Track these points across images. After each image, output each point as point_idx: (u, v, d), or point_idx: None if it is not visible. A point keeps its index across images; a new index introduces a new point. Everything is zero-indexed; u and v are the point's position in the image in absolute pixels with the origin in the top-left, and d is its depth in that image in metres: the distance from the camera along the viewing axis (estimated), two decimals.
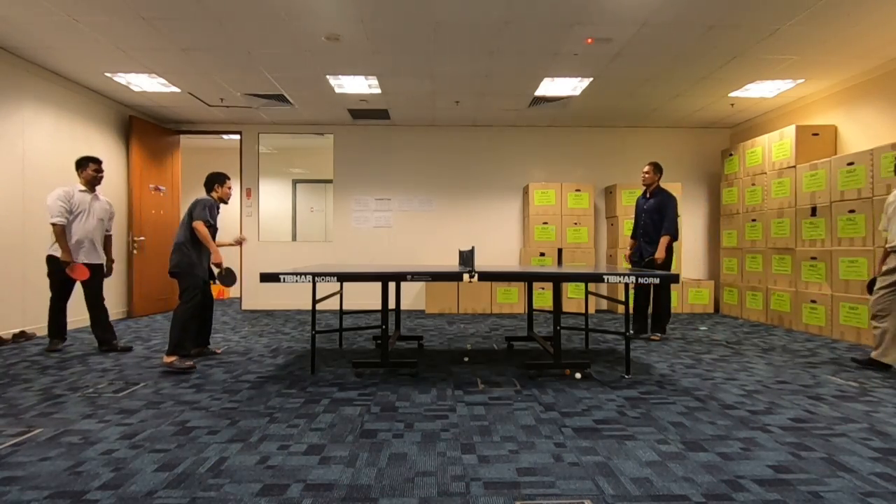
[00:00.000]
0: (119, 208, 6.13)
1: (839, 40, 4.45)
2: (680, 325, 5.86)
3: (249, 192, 7.45)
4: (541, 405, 2.86)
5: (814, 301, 5.29)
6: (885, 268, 3.80)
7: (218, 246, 4.05)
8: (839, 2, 3.78)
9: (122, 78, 5.41)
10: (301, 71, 5.25)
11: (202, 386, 3.25)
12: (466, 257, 3.88)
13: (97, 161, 4.31)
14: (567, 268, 4.27)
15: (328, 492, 1.84)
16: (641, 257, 5.02)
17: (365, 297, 7.25)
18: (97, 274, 4.31)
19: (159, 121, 7.15)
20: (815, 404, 2.89)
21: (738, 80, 5.47)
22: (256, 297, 7.36)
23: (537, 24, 4.19)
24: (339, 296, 5.44)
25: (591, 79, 5.49)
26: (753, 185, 6.32)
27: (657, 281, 3.38)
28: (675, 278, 3.33)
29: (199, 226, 3.84)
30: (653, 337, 4.90)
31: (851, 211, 4.88)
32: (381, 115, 6.90)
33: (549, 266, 5.24)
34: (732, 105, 6.41)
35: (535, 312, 6.49)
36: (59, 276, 4.14)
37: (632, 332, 5.06)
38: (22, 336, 4.72)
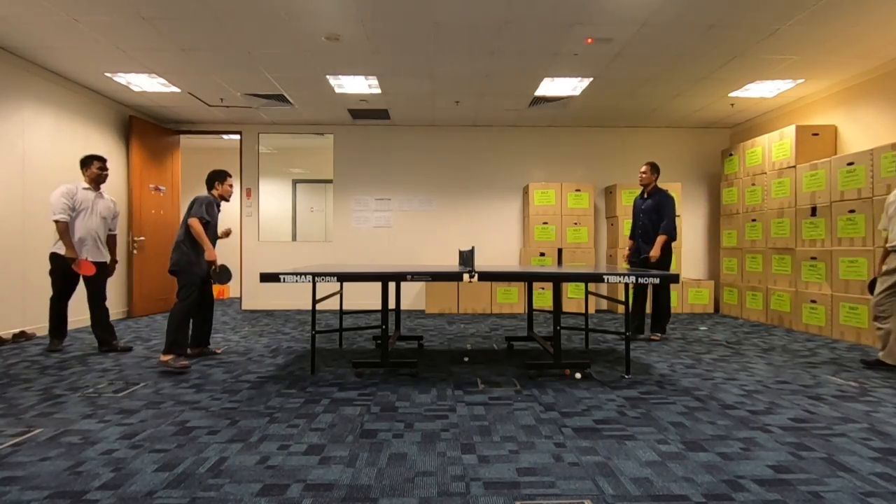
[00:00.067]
0: (119, 208, 6.13)
1: (839, 40, 4.45)
2: (680, 325, 5.86)
3: (249, 192, 7.45)
4: (541, 405, 2.86)
5: (814, 301, 5.29)
6: (885, 268, 3.80)
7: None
8: (839, 2, 3.78)
9: (122, 78, 5.41)
10: (301, 71, 5.25)
11: (202, 386, 3.25)
12: (466, 257, 3.88)
13: (101, 159, 4.31)
14: (567, 268, 4.27)
15: (328, 492, 1.84)
16: (640, 257, 5.02)
17: (365, 297, 7.25)
18: (100, 272, 4.30)
19: (159, 121, 7.15)
20: (815, 404, 2.89)
21: (738, 80, 5.47)
22: (256, 297, 7.36)
23: (537, 24, 4.19)
24: (339, 296, 5.44)
25: (591, 79, 5.49)
26: (753, 185, 6.32)
27: (657, 281, 3.38)
28: (675, 278, 3.33)
29: (194, 223, 3.84)
30: (653, 337, 4.90)
31: (851, 211, 4.88)
32: (381, 115, 6.90)
33: (549, 266, 5.24)
34: (732, 105, 6.41)
35: (535, 312, 6.49)
36: (62, 273, 4.14)
37: (630, 332, 5.06)
38: (22, 336, 4.72)
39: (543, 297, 6.91)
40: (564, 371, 3.55)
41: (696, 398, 3.00)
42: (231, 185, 4.23)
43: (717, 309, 7.14)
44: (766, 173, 6.10)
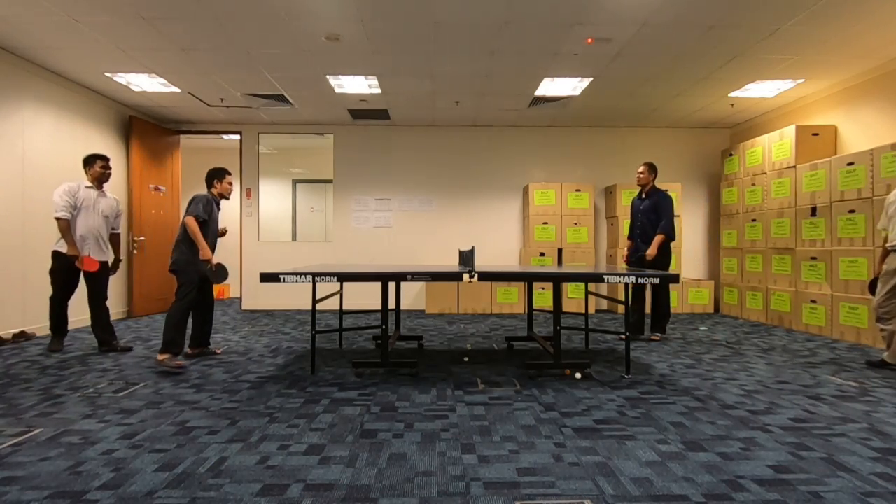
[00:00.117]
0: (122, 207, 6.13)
1: (839, 40, 4.45)
2: (680, 325, 5.86)
3: (249, 192, 7.45)
4: (541, 405, 2.86)
5: (814, 301, 5.29)
6: (885, 268, 3.80)
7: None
8: (839, 2, 3.78)
9: (122, 78, 5.41)
10: (301, 71, 5.25)
11: (202, 386, 3.25)
12: (466, 257, 3.88)
13: (105, 158, 4.31)
14: (567, 268, 4.27)
15: (328, 492, 1.84)
16: (637, 256, 5.02)
17: (365, 297, 7.25)
18: (101, 272, 4.30)
19: (159, 121, 7.15)
20: (815, 404, 2.89)
21: (738, 80, 5.47)
22: (256, 297, 7.36)
23: (537, 24, 4.19)
24: (339, 296, 5.44)
25: (591, 79, 5.49)
26: (753, 185, 6.32)
27: (657, 281, 3.37)
28: (675, 278, 3.33)
29: (189, 221, 3.84)
30: (653, 337, 4.90)
31: (851, 211, 4.88)
32: (381, 115, 6.90)
33: (549, 266, 5.24)
34: (732, 105, 6.41)
35: (535, 312, 6.49)
36: (64, 272, 4.14)
37: (629, 332, 5.06)
38: (22, 336, 4.72)
39: (543, 297, 6.91)
40: (564, 371, 3.55)
41: (696, 398, 3.00)
42: (230, 183, 4.22)
43: (717, 309, 7.14)
44: (766, 173, 6.10)
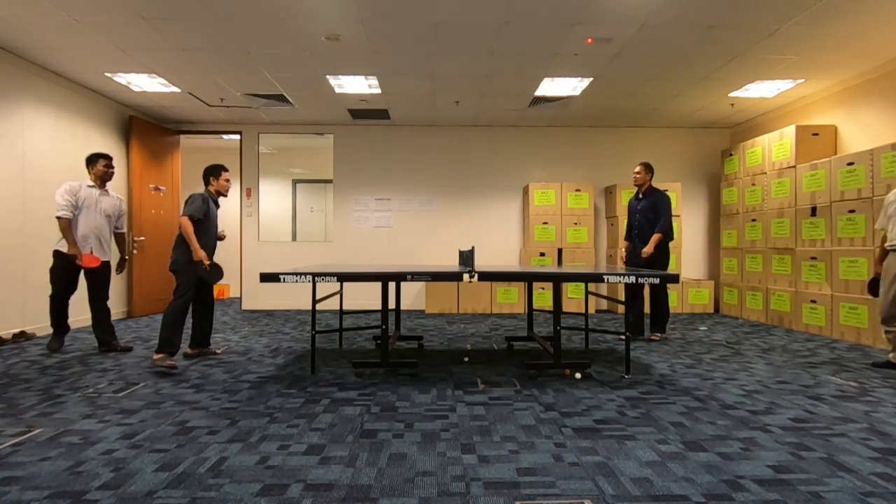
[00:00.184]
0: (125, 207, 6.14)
1: (839, 40, 4.45)
2: (680, 325, 5.86)
3: (249, 192, 7.45)
4: (541, 405, 2.86)
5: (814, 301, 5.29)
6: (886, 269, 3.80)
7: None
8: (839, 2, 3.78)
9: (122, 78, 5.41)
10: (301, 71, 5.25)
11: (202, 386, 3.25)
12: (466, 257, 3.88)
13: (107, 157, 4.31)
14: (567, 268, 4.27)
15: (328, 492, 1.84)
16: (635, 254, 5.02)
17: (365, 297, 7.25)
18: (104, 271, 4.30)
19: (159, 121, 7.15)
20: (815, 404, 2.89)
21: (738, 80, 5.47)
22: (256, 297, 7.36)
23: (537, 24, 4.19)
24: (339, 296, 5.44)
25: (591, 79, 5.49)
26: (753, 185, 6.32)
27: (657, 281, 3.37)
28: (675, 278, 3.32)
29: (183, 221, 3.83)
30: (653, 337, 4.90)
31: (851, 211, 4.88)
32: (381, 115, 6.90)
33: (549, 266, 5.24)
34: (732, 105, 6.41)
35: (535, 312, 6.49)
36: (65, 271, 4.13)
37: (629, 333, 5.06)
38: (22, 336, 4.72)
39: (543, 297, 6.91)
40: (564, 371, 3.55)
41: (696, 398, 3.00)
42: (228, 180, 4.19)
43: (717, 309, 7.14)
44: (766, 173, 6.10)
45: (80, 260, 4.07)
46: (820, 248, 5.25)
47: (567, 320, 6.26)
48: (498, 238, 7.54)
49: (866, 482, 1.92)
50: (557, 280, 3.43)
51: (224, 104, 6.39)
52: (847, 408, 2.83)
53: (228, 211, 8.77)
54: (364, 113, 6.82)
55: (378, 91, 5.87)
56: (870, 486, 1.89)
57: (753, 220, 6.31)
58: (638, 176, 4.99)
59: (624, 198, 6.99)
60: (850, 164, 4.91)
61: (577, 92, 5.91)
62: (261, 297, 7.36)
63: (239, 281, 7.66)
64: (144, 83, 5.58)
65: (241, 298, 7.43)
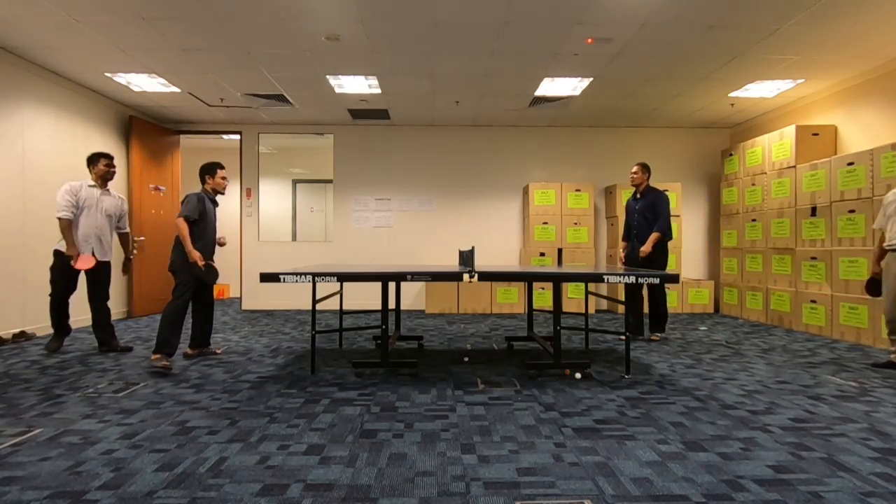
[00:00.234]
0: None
1: (839, 40, 4.45)
2: (680, 325, 5.86)
3: (249, 192, 7.45)
4: (541, 405, 2.86)
5: (814, 301, 5.29)
6: (886, 271, 3.80)
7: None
8: (839, 2, 3.78)
9: (122, 78, 5.41)
10: (301, 71, 5.25)
11: (202, 386, 3.25)
12: (466, 257, 3.88)
13: (108, 156, 4.29)
14: (567, 268, 4.27)
15: (328, 492, 1.84)
16: (633, 253, 5.02)
17: (365, 297, 7.25)
18: (104, 271, 4.29)
19: (159, 121, 7.15)
20: (815, 404, 2.89)
21: (738, 80, 5.47)
22: (256, 297, 7.36)
23: (537, 24, 4.19)
24: (339, 296, 5.44)
25: (591, 79, 5.49)
26: (753, 185, 6.32)
27: (657, 281, 3.37)
28: (675, 278, 3.32)
29: (179, 222, 3.82)
30: (653, 337, 4.91)
31: (851, 211, 4.88)
32: (381, 115, 6.90)
33: (549, 266, 5.24)
34: (732, 105, 6.41)
35: (535, 312, 6.49)
36: (64, 271, 4.12)
37: (630, 333, 5.06)
38: (22, 336, 4.72)
39: (543, 297, 6.91)
40: (564, 371, 3.55)
41: (696, 398, 3.00)
42: (224, 178, 4.17)
43: (717, 309, 7.14)
44: (766, 173, 6.10)
45: (74, 261, 4.04)
46: (820, 248, 5.25)
47: (567, 320, 6.26)
48: (498, 238, 7.54)
49: (866, 482, 1.92)
50: (557, 280, 3.43)
51: (224, 104, 6.39)
52: (847, 408, 2.83)
53: (228, 211, 8.78)
54: (364, 113, 6.82)
55: (378, 91, 5.88)
56: (870, 486, 1.89)
57: (753, 220, 6.31)
58: (635, 176, 4.99)
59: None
60: (850, 164, 4.91)
61: (577, 92, 5.91)
62: (261, 297, 7.36)
63: (239, 281, 7.66)
64: (144, 83, 5.58)
65: (241, 298, 7.43)
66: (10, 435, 2.38)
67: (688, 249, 7.53)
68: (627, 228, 5.15)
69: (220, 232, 4.28)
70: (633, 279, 3.24)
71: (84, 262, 4.10)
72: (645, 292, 5.08)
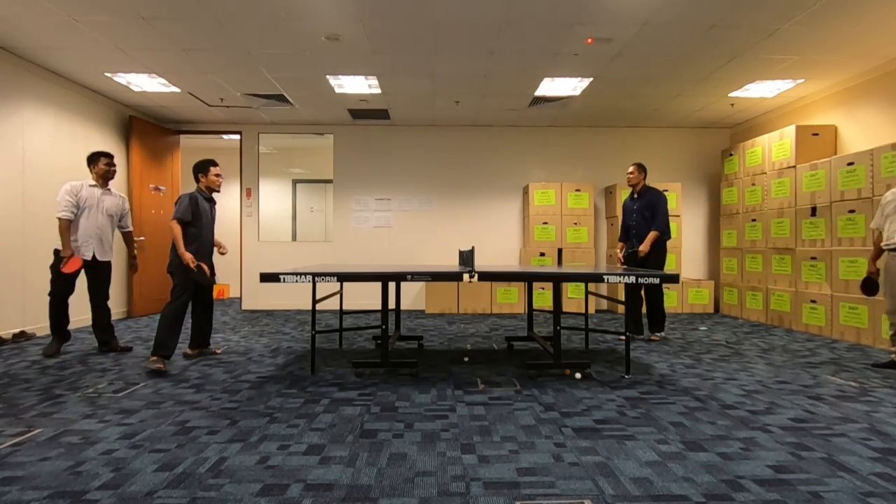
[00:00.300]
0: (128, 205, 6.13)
1: (839, 40, 4.45)
2: (680, 325, 5.86)
3: (249, 192, 7.45)
4: (541, 405, 2.86)
5: (814, 301, 5.29)
6: (885, 270, 3.80)
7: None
8: (839, 2, 3.78)
9: (122, 78, 5.41)
10: (301, 71, 5.25)
11: (202, 386, 3.25)
12: (466, 257, 3.88)
13: (109, 155, 4.27)
14: (567, 268, 4.27)
15: (328, 492, 1.84)
16: (631, 252, 5.02)
17: (365, 297, 7.25)
18: (104, 271, 4.28)
19: (159, 121, 7.15)
20: (815, 404, 2.89)
21: (738, 80, 5.47)
22: (256, 297, 7.36)
23: (537, 24, 4.19)
24: (339, 296, 5.44)
25: (591, 79, 5.49)
26: (753, 185, 6.32)
27: (657, 281, 3.37)
28: (675, 278, 3.32)
29: (172, 225, 3.79)
30: (653, 337, 4.91)
31: (851, 211, 4.88)
32: (381, 115, 6.90)
33: (549, 266, 5.24)
34: (732, 105, 6.41)
35: (535, 312, 6.49)
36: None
37: (630, 333, 5.06)
38: (22, 336, 4.72)
39: (543, 297, 6.91)
40: (564, 371, 3.55)
41: (696, 398, 3.00)
42: (217, 175, 4.11)
43: (717, 309, 7.14)
44: (766, 173, 6.10)
45: (64, 263, 3.98)
46: (820, 248, 5.25)
47: (567, 320, 6.26)
48: (498, 238, 7.54)
49: (866, 482, 1.92)
50: (557, 280, 3.43)
51: (224, 104, 6.39)
52: (847, 408, 2.83)
53: (228, 211, 8.78)
54: (364, 113, 6.82)
55: (378, 91, 5.87)
56: (870, 486, 1.89)
57: (753, 220, 6.31)
58: (631, 176, 5.00)
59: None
60: (850, 164, 4.91)
61: (577, 92, 5.91)
62: (261, 297, 7.36)
63: (239, 281, 7.66)
64: (144, 83, 5.58)
65: (241, 298, 7.43)
66: (10, 435, 2.38)
67: (688, 249, 7.53)
68: (626, 229, 5.15)
69: (220, 231, 4.27)
70: (632, 279, 3.24)
71: (71, 265, 4.02)
72: (643, 292, 5.07)
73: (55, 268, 4.13)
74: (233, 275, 8.54)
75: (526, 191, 7.22)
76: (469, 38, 4.45)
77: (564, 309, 6.79)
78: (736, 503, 1.77)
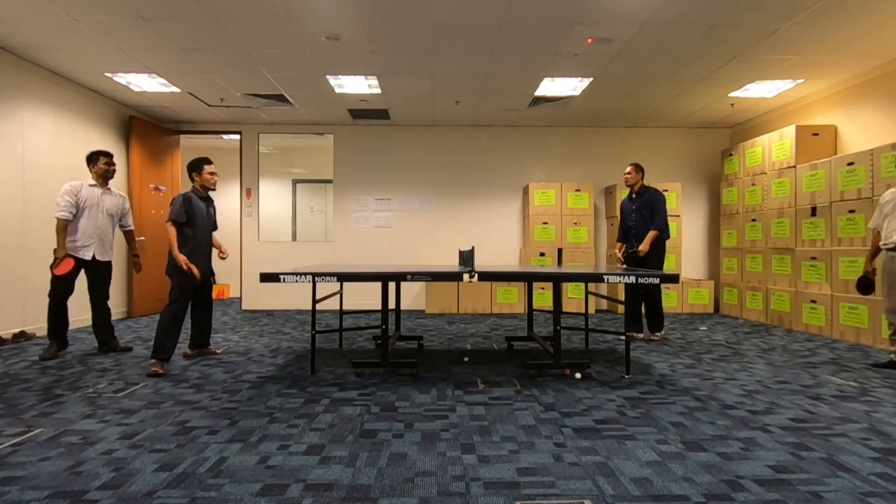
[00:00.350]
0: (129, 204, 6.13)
1: (839, 40, 4.45)
2: (680, 325, 5.86)
3: (249, 192, 7.45)
4: (541, 405, 2.86)
5: (814, 301, 5.29)
6: (884, 271, 3.80)
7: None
8: (839, 2, 3.78)
9: (122, 78, 5.41)
10: (301, 71, 5.25)
11: (202, 386, 3.25)
12: (466, 257, 3.88)
13: (108, 154, 4.25)
14: (567, 268, 4.27)
15: (328, 492, 1.84)
16: (630, 251, 5.02)
17: (365, 297, 7.25)
18: (105, 271, 4.27)
19: (159, 121, 7.15)
20: (814, 404, 2.89)
21: (738, 80, 5.47)
22: (256, 297, 7.36)
23: (537, 24, 4.19)
24: (339, 296, 5.44)
25: (591, 79, 5.49)
26: (753, 185, 6.32)
27: (657, 281, 3.37)
28: (675, 278, 3.31)
29: (167, 227, 3.75)
30: (653, 337, 4.91)
31: (851, 211, 4.88)
32: (381, 115, 6.90)
33: (549, 266, 5.24)
34: (732, 105, 6.41)
35: (535, 312, 6.49)
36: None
37: (631, 333, 5.06)
38: (22, 336, 4.72)
39: (543, 297, 6.91)
40: (564, 371, 3.55)
41: (696, 398, 3.00)
42: (211, 173, 4.02)
43: (717, 309, 7.14)
44: (766, 173, 6.10)
45: (56, 264, 3.93)
46: (820, 248, 5.25)
47: (567, 320, 6.26)
48: (498, 238, 7.54)
49: (866, 482, 1.92)
50: (557, 280, 3.43)
51: (224, 104, 6.39)
52: (847, 408, 2.83)
53: (228, 211, 8.79)
54: (364, 113, 6.82)
55: (378, 91, 5.87)
56: (870, 486, 1.89)
57: (753, 220, 6.31)
58: (629, 177, 5.00)
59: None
60: (850, 164, 4.91)
61: (577, 92, 5.91)
62: (261, 297, 7.36)
63: (239, 281, 7.66)
64: (144, 83, 5.58)
65: (241, 298, 7.43)
66: (10, 435, 2.38)
67: (688, 249, 7.53)
68: (625, 229, 5.15)
69: (220, 231, 4.24)
70: (632, 279, 3.24)
71: (63, 267, 3.97)
72: (642, 291, 5.07)
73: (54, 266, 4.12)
74: (233, 275, 8.54)
75: (526, 191, 7.22)
76: (469, 38, 4.45)
77: (564, 309, 6.79)
78: (736, 503, 1.77)
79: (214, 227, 4.19)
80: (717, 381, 3.38)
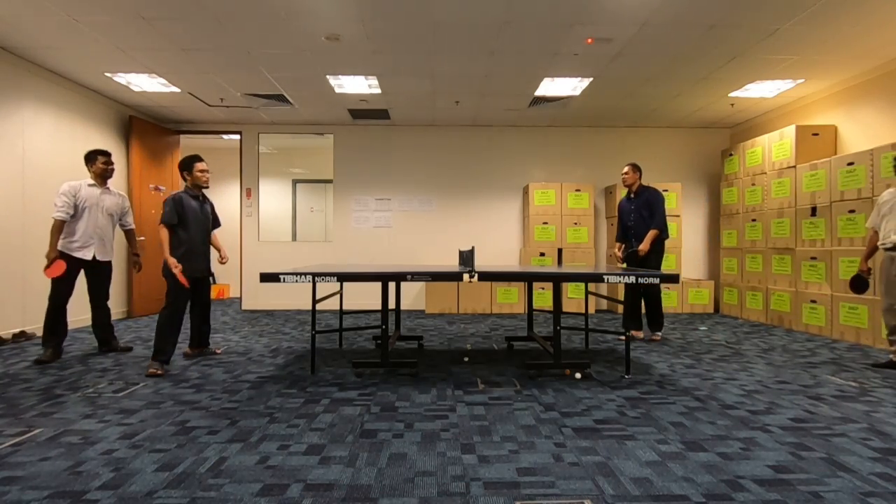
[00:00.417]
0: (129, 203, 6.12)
1: (839, 40, 4.45)
2: (680, 325, 5.86)
3: (249, 192, 7.45)
4: (541, 405, 2.86)
5: (814, 301, 5.29)
6: (883, 271, 3.80)
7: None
8: (839, 2, 3.78)
9: (122, 78, 5.41)
10: (301, 71, 5.25)
11: (202, 386, 3.25)
12: (466, 257, 3.88)
13: (106, 154, 4.21)
14: (567, 268, 4.27)
15: (328, 492, 1.84)
16: (630, 251, 5.03)
17: (365, 297, 7.25)
18: (105, 271, 4.26)
19: (159, 121, 7.15)
20: (815, 404, 2.89)
21: (738, 80, 5.47)
22: (256, 297, 7.36)
23: (537, 24, 4.19)
24: (339, 296, 5.44)
25: (591, 79, 5.49)
26: (753, 185, 6.32)
27: (657, 281, 3.37)
28: (675, 278, 3.31)
29: (160, 229, 3.69)
30: (653, 337, 4.91)
31: (851, 211, 4.88)
32: (381, 115, 6.90)
33: (549, 266, 5.24)
34: (732, 105, 6.41)
35: (535, 312, 6.49)
36: (67, 270, 4.02)
37: (630, 333, 5.06)
38: (22, 336, 4.72)
39: (543, 297, 6.91)
40: (564, 371, 3.55)
41: (696, 398, 3.00)
42: (202, 171, 3.94)
43: (717, 309, 7.14)
44: (766, 173, 6.10)
45: (47, 266, 3.87)
46: (820, 248, 5.25)
47: (567, 320, 6.25)
48: (498, 238, 7.54)
49: (866, 482, 1.92)
50: (557, 280, 3.43)
51: (224, 104, 6.39)
52: (847, 408, 2.83)
53: (228, 211, 8.78)
54: (364, 113, 6.82)
55: (378, 91, 5.87)
56: (870, 486, 1.89)
57: (753, 220, 6.31)
58: (627, 177, 5.00)
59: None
60: (850, 164, 4.91)
61: (577, 92, 5.91)
62: (261, 297, 7.36)
63: (239, 281, 7.66)
64: (144, 83, 5.58)
65: (241, 298, 7.43)
66: (10, 435, 2.38)
67: (688, 249, 7.53)
68: (624, 229, 5.14)
69: (220, 231, 4.23)
70: (632, 279, 3.24)
71: (55, 270, 3.90)
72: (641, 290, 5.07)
73: None
74: (233, 275, 8.54)
75: (526, 191, 7.22)
76: (469, 38, 4.45)
77: (564, 309, 6.79)
78: (736, 503, 1.77)
79: (217, 224, 4.18)
80: (717, 381, 3.38)
